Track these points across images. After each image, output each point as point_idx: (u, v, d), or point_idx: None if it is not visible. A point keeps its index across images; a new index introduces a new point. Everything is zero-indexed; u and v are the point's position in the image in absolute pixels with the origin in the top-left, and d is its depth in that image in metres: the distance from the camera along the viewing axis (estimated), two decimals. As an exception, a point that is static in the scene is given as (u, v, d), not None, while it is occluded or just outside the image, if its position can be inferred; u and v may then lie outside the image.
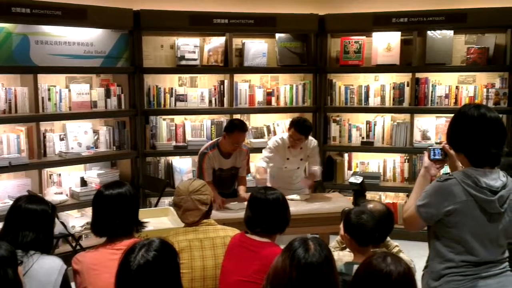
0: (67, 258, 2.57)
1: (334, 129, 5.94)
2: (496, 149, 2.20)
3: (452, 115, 2.34)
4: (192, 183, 2.85)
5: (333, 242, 3.01)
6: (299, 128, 4.33)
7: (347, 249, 2.67)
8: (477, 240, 2.18)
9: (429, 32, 5.57)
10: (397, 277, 1.70)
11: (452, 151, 2.34)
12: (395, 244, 2.84)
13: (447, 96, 5.66)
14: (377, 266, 1.73)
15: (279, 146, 4.53)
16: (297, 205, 4.21)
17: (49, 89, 4.91)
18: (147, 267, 1.73)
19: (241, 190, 4.44)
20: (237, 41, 5.72)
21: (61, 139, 5.07)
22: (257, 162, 5.57)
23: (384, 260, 1.74)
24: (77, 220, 4.94)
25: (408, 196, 5.74)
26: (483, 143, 2.19)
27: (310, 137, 4.59)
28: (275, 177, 4.65)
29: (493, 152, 2.19)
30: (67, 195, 5.00)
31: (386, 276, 1.70)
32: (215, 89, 5.69)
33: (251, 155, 4.76)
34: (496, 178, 2.18)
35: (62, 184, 5.07)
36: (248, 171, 4.68)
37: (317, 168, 4.62)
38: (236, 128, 4.27)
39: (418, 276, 2.07)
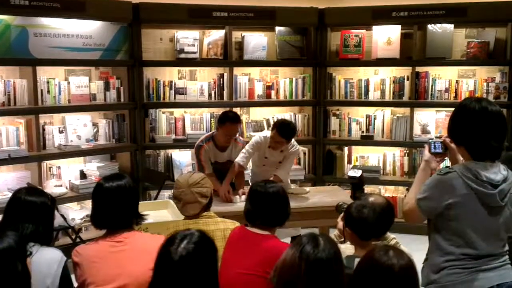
0: (67, 250, 2.56)
1: (334, 123, 5.92)
2: (497, 143, 2.19)
3: (452, 109, 2.34)
4: (192, 176, 2.85)
5: (331, 236, 3.01)
6: (280, 131, 4.13)
7: (347, 242, 2.67)
8: (477, 234, 2.18)
9: (429, 26, 5.55)
10: (399, 270, 1.70)
11: (452, 145, 2.34)
12: (392, 237, 2.84)
13: (447, 90, 5.65)
14: (379, 260, 1.73)
15: (260, 143, 4.34)
16: (296, 198, 4.21)
17: (48, 82, 4.89)
18: (189, 258, 1.75)
19: (240, 191, 4.38)
20: (236, 34, 5.70)
21: (60, 132, 5.06)
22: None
23: (386, 253, 1.73)
24: (76, 213, 4.94)
25: (408, 190, 5.76)
26: (484, 137, 2.18)
27: (295, 142, 4.38)
28: (255, 176, 4.54)
29: (494, 145, 2.19)
30: (66, 187, 5.00)
31: (388, 269, 1.70)
32: (214, 82, 5.68)
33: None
34: (497, 172, 2.18)
35: (62, 176, 5.07)
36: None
37: (280, 174, 4.28)
38: (228, 120, 4.21)
39: (418, 269, 2.07)
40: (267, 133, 4.40)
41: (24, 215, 2.30)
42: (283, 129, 4.15)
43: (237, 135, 4.48)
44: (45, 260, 2.21)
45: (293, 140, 4.33)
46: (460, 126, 2.26)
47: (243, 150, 4.34)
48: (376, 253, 1.76)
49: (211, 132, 4.53)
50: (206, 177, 2.91)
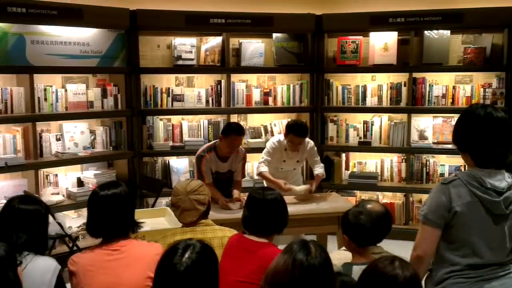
0: (64, 258, 2.55)
1: (331, 129, 5.93)
2: (502, 150, 2.17)
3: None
4: (190, 183, 2.85)
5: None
6: (298, 132, 4.32)
7: (342, 248, 2.65)
8: (482, 242, 2.15)
9: (426, 32, 5.57)
10: (402, 281, 1.68)
11: None
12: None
13: (444, 96, 5.65)
14: (383, 269, 1.71)
15: (276, 148, 4.53)
16: (294, 205, 4.20)
17: (45, 89, 4.89)
18: (194, 268, 1.74)
19: (236, 193, 4.40)
20: (234, 41, 5.71)
21: (58, 139, 5.05)
22: (255, 162, 5.58)
23: (391, 264, 1.72)
24: (74, 221, 4.92)
25: (405, 196, 5.73)
26: (489, 143, 2.16)
27: (307, 139, 4.58)
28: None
29: (499, 153, 2.17)
30: (63, 195, 4.98)
31: (392, 280, 1.68)
32: (212, 89, 5.68)
33: (248, 155, 4.74)
34: (502, 179, 2.16)
35: (59, 184, 5.05)
36: (243, 176, 4.66)
37: (321, 170, 4.64)
38: (233, 132, 4.24)
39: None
40: (279, 137, 4.58)
41: (18, 224, 2.28)
42: (299, 130, 4.35)
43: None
44: (39, 269, 2.19)
45: None
46: (465, 132, 2.23)
47: (261, 160, 4.52)
48: (380, 263, 1.74)
49: (213, 142, 4.51)
50: (203, 185, 2.91)
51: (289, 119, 5.89)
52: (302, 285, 1.69)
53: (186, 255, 1.75)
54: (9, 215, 2.32)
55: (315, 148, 4.70)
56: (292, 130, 4.34)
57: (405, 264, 1.73)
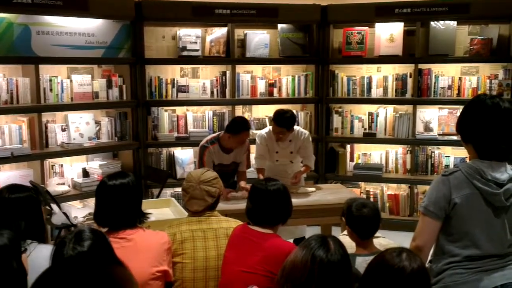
0: (69, 248, 2.55)
1: (336, 120, 5.92)
2: (506, 144, 2.15)
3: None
4: (205, 173, 2.83)
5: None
6: (277, 121, 4.21)
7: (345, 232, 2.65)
8: (482, 234, 2.14)
9: (432, 23, 5.53)
10: (410, 273, 1.67)
11: None
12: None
13: (450, 87, 5.62)
14: (390, 261, 1.71)
15: (266, 139, 4.42)
16: (299, 196, 4.20)
17: (50, 80, 4.90)
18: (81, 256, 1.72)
19: (242, 184, 4.39)
20: (239, 32, 5.70)
21: (63, 130, 5.07)
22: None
23: (398, 255, 1.72)
24: (79, 211, 4.92)
25: (410, 187, 5.72)
26: (493, 134, 2.14)
27: (301, 130, 4.47)
28: (269, 171, 4.53)
29: (502, 147, 2.15)
30: (69, 185, 5.01)
31: (399, 271, 1.68)
32: (217, 80, 5.67)
33: (252, 146, 4.73)
34: (503, 171, 2.15)
35: (64, 174, 5.08)
36: (248, 166, 4.60)
37: (309, 163, 4.51)
38: (243, 129, 4.21)
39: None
40: (269, 127, 4.47)
41: (13, 213, 2.27)
42: (279, 118, 4.22)
43: None
44: (43, 256, 2.17)
45: (298, 127, 4.42)
46: (471, 122, 2.20)
47: (255, 156, 4.47)
48: (387, 255, 1.74)
49: (217, 133, 4.48)
50: (218, 177, 2.87)
51: (294, 110, 5.90)
52: (321, 281, 1.70)
53: (71, 245, 1.74)
54: (2, 206, 2.30)
55: (310, 141, 4.54)
56: (274, 118, 4.27)
57: (412, 256, 1.73)
